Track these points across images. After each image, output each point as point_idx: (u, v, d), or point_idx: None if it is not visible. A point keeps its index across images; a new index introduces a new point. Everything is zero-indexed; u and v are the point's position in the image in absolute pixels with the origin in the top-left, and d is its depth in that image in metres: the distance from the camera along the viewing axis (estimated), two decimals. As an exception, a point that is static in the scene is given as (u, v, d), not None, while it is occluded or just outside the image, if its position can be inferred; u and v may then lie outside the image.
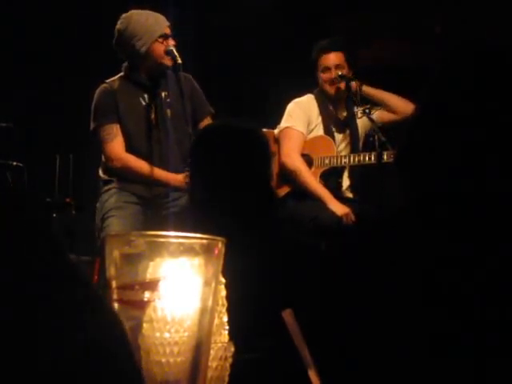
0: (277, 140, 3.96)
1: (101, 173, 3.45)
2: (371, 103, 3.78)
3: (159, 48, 3.30)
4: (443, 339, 1.00)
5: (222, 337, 0.86)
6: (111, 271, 0.67)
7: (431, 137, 1.14)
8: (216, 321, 0.85)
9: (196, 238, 0.68)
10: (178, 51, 3.30)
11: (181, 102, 3.29)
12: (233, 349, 0.87)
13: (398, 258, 1.08)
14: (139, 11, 3.38)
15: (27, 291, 0.54)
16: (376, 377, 1.06)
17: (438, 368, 1.00)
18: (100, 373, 0.54)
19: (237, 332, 0.89)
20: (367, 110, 3.65)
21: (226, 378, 0.85)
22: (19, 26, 4.98)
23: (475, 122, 1.10)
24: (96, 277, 2.98)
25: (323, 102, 3.96)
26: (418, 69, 3.08)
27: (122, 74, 3.44)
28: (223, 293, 0.87)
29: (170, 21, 3.38)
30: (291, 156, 3.85)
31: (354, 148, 3.95)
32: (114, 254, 0.67)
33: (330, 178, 3.92)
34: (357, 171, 3.99)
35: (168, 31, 3.34)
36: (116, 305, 0.67)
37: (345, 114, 4.00)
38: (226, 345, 0.86)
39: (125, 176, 3.34)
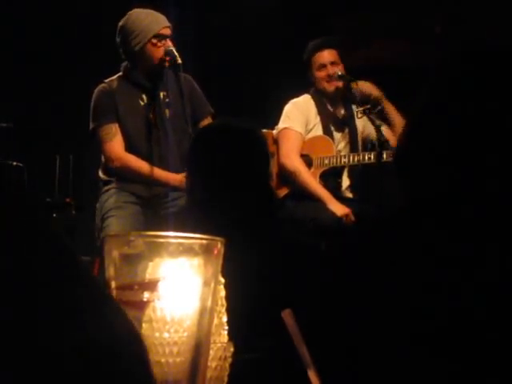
0: (275, 141, 3.96)
1: (100, 173, 3.45)
2: (371, 103, 3.78)
3: (152, 49, 3.30)
4: (443, 339, 1.00)
5: (221, 337, 0.86)
6: (110, 271, 0.67)
7: (431, 137, 1.14)
8: (215, 321, 0.85)
9: (195, 239, 0.68)
10: (177, 51, 3.30)
11: (180, 101, 3.29)
12: (232, 349, 0.87)
13: (398, 258, 1.08)
14: (141, 10, 3.38)
15: (27, 291, 0.54)
16: (376, 377, 1.06)
17: (437, 368, 1.00)
18: (101, 373, 0.54)
19: (236, 332, 0.89)
20: (367, 110, 3.65)
21: (226, 378, 0.85)
22: (19, 26, 4.98)
23: (475, 122, 1.10)
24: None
25: (321, 101, 3.96)
26: (418, 69, 3.08)
27: (120, 73, 3.44)
28: (222, 293, 0.87)
29: (170, 21, 3.37)
30: (290, 157, 3.85)
31: (353, 147, 3.95)
32: (113, 254, 0.67)
33: (330, 178, 3.92)
34: (356, 171, 3.99)
35: (167, 32, 3.33)
36: (115, 305, 0.67)
37: (343, 112, 3.99)
38: (225, 345, 0.86)
39: (124, 176, 3.34)
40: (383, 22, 5.12)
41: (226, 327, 0.88)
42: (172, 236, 0.68)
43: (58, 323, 0.54)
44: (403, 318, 1.04)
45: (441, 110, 1.15)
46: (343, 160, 3.86)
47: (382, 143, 3.48)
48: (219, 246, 0.69)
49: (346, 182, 4.00)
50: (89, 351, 0.54)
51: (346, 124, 3.98)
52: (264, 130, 3.85)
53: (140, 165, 3.33)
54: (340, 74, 3.85)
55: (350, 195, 3.97)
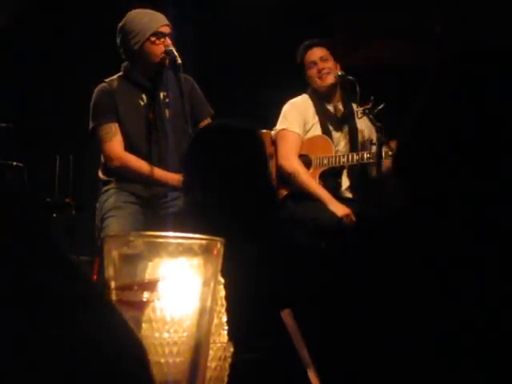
0: (274, 142, 3.95)
1: (100, 173, 3.45)
2: (371, 103, 3.78)
3: (151, 47, 3.30)
4: (444, 339, 1.00)
5: (221, 337, 0.86)
6: (110, 272, 0.67)
7: (431, 137, 1.14)
8: (215, 321, 0.85)
9: (195, 239, 0.68)
10: (177, 51, 3.30)
11: (180, 102, 3.29)
12: (232, 349, 0.86)
13: (398, 258, 1.08)
14: (140, 10, 3.39)
15: (27, 291, 0.54)
16: (376, 377, 1.05)
17: (438, 368, 1.00)
18: (100, 373, 0.54)
19: (236, 332, 0.89)
20: (367, 110, 3.65)
21: (225, 379, 0.85)
22: (19, 25, 4.98)
23: (475, 122, 1.10)
24: (95, 277, 2.99)
25: (318, 100, 3.95)
26: (418, 69, 3.08)
27: (120, 73, 3.44)
28: (222, 293, 0.87)
29: (169, 21, 3.37)
30: (289, 158, 3.84)
31: (353, 146, 3.94)
32: (112, 254, 0.67)
33: (329, 178, 3.91)
34: (356, 171, 3.98)
35: (166, 30, 3.32)
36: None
37: (343, 111, 3.98)
38: (225, 345, 0.86)
39: (124, 175, 3.34)
40: (383, 21, 5.12)
41: (226, 327, 0.88)
42: (171, 236, 0.68)
43: (58, 324, 0.54)
44: (403, 317, 1.04)
45: (441, 110, 1.15)
46: (342, 160, 3.85)
47: (382, 143, 3.48)
48: (219, 246, 0.69)
49: (345, 181, 3.99)
50: (88, 352, 0.54)
51: (345, 123, 3.97)
52: (263, 131, 3.86)
53: (140, 164, 3.33)
54: (340, 73, 3.85)
55: (349, 195, 3.96)
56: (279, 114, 4.00)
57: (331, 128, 3.95)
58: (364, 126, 3.95)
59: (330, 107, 3.98)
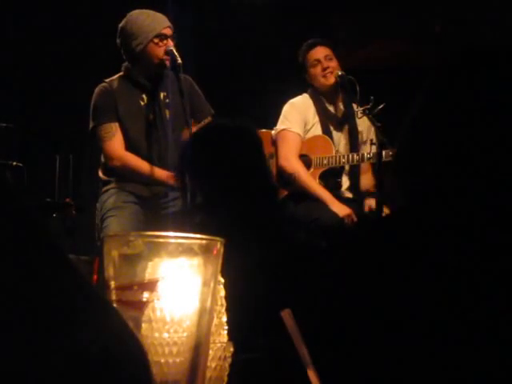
0: (274, 142, 3.95)
1: (100, 173, 3.46)
2: (371, 103, 3.77)
3: (154, 48, 3.30)
4: (444, 339, 1.00)
5: (221, 337, 0.86)
6: (110, 271, 0.67)
7: (431, 137, 1.14)
8: (215, 321, 0.85)
9: (195, 239, 0.68)
10: (177, 51, 3.30)
11: (180, 102, 3.29)
12: (232, 349, 0.87)
13: (397, 258, 1.08)
14: (141, 11, 3.38)
15: (27, 292, 0.54)
16: (376, 377, 1.06)
17: (439, 368, 1.00)
18: (102, 374, 0.54)
19: (236, 332, 0.89)
20: (367, 110, 3.65)
21: (225, 378, 0.85)
22: (19, 25, 4.98)
23: (475, 122, 1.10)
24: (96, 277, 2.98)
25: (319, 100, 3.95)
26: (418, 69, 3.08)
27: (121, 73, 3.44)
28: (222, 293, 0.87)
29: (169, 21, 3.37)
30: (289, 159, 3.84)
31: (353, 146, 3.94)
32: (112, 254, 0.67)
33: (329, 178, 3.91)
34: (356, 171, 3.98)
35: (168, 32, 3.33)
36: (115, 305, 0.67)
37: (343, 110, 3.98)
38: (225, 345, 0.86)
39: (124, 175, 3.35)
40: (383, 22, 5.12)
41: (226, 327, 0.88)
42: (171, 236, 0.68)
43: (58, 325, 0.54)
44: (403, 318, 1.04)
45: (441, 110, 1.15)
46: (342, 160, 3.85)
47: (382, 143, 3.48)
48: (218, 246, 0.69)
49: (345, 181, 3.99)
50: (89, 352, 0.54)
51: (345, 123, 3.97)
52: (263, 131, 3.86)
53: (140, 164, 3.33)
54: (340, 73, 3.84)
55: (349, 195, 3.96)
56: (279, 113, 3.99)
57: (332, 128, 3.95)
58: (364, 126, 3.94)
59: (331, 107, 3.97)
